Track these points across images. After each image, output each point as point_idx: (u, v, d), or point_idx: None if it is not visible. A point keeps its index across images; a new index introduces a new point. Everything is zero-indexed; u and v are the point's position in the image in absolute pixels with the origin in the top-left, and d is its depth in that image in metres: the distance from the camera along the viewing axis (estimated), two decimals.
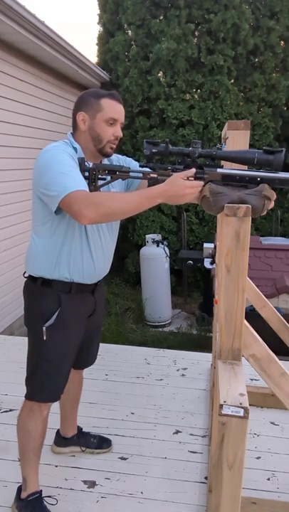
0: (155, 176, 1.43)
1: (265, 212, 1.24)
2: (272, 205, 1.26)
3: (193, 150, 1.34)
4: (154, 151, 1.38)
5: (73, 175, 1.42)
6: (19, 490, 1.76)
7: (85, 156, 1.56)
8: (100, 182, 1.52)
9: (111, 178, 1.51)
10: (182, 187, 1.33)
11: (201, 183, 1.35)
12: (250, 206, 1.16)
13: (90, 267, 1.61)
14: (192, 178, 1.36)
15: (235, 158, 1.34)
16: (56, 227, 1.54)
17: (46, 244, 1.58)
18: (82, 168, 1.50)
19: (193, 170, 1.36)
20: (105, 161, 1.68)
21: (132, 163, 1.71)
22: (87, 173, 1.50)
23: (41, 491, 1.76)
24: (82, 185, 1.42)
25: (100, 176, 1.51)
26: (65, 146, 1.53)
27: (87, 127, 1.56)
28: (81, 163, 1.50)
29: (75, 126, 1.59)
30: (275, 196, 1.26)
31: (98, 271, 1.65)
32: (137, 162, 1.72)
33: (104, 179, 1.52)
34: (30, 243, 1.64)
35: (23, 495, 1.73)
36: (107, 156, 1.59)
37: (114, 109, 1.54)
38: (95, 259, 1.61)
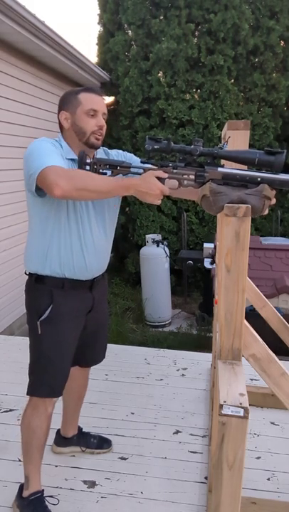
0: None
1: (265, 212, 1.24)
2: (273, 201, 1.26)
3: (195, 148, 1.34)
4: (155, 147, 1.38)
5: (53, 156, 1.46)
6: (21, 488, 1.76)
7: (74, 152, 1.58)
8: None
9: (112, 172, 1.51)
10: (154, 186, 1.37)
11: (167, 190, 1.40)
12: (250, 206, 1.16)
13: (80, 263, 1.61)
14: (193, 177, 1.37)
15: (236, 157, 1.34)
16: (46, 223, 1.56)
17: (36, 240, 1.61)
18: (84, 162, 1.49)
19: (166, 175, 1.39)
20: (102, 155, 1.69)
21: (132, 159, 1.71)
22: (88, 167, 1.50)
23: (43, 490, 1.76)
24: (60, 163, 1.45)
25: (100, 171, 1.51)
26: (51, 140, 1.57)
27: (70, 124, 1.59)
28: (82, 156, 1.50)
29: (60, 127, 1.62)
30: (274, 199, 1.26)
31: (90, 267, 1.65)
32: (138, 158, 1.72)
33: (104, 174, 1.53)
34: (27, 240, 1.68)
35: (25, 494, 1.73)
36: (95, 147, 1.60)
37: (92, 100, 1.57)
38: (85, 255, 1.62)
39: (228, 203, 1.18)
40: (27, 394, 1.69)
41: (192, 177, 1.37)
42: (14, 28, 3.72)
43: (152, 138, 1.38)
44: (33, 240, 1.63)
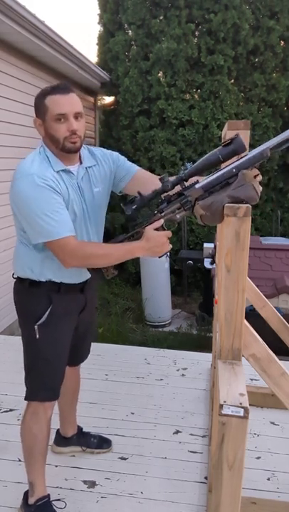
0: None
1: (260, 189, 1.23)
2: (259, 178, 1.25)
3: (165, 184, 1.39)
4: (134, 207, 1.44)
5: (56, 216, 1.43)
6: (26, 495, 1.73)
7: (61, 160, 1.53)
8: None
9: None
10: (159, 237, 1.44)
11: (169, 232, 1.46)
12: (250, 206, 1.16)
13: (77, 269, 1.61)
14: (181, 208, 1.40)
15: (202, 169, 1.36)
16: None
17: (29, 251, 1.59)
18: None
19: (161, 221, 1.44)
20: (89, 157, 1.65)
21: (119, 159, 1.71)
22: None
23: (49, 494, 1.74)
24: (67, 227, 1.45)
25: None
26: (42, 170, 1.47)
27: (44, 131, 1.52)
28: None
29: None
30: (258, 174, 1.25)
31: (85, 270, 1.65)
32: (123, 157, 1.74)
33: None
34: (16, 245, 1.65)
35: (31, 500, 1.70)
36: (72, 151, 1.51)
37: (58, 103, 1.45)
38: None
39: (226, 204, 1.18)
40: (25, 399, 1.67)
41: (181, 208, 1.40)
42: (14, 28, 3.72)
43: (126, 203, 1.44)
44: (24, 250, 1.60)
